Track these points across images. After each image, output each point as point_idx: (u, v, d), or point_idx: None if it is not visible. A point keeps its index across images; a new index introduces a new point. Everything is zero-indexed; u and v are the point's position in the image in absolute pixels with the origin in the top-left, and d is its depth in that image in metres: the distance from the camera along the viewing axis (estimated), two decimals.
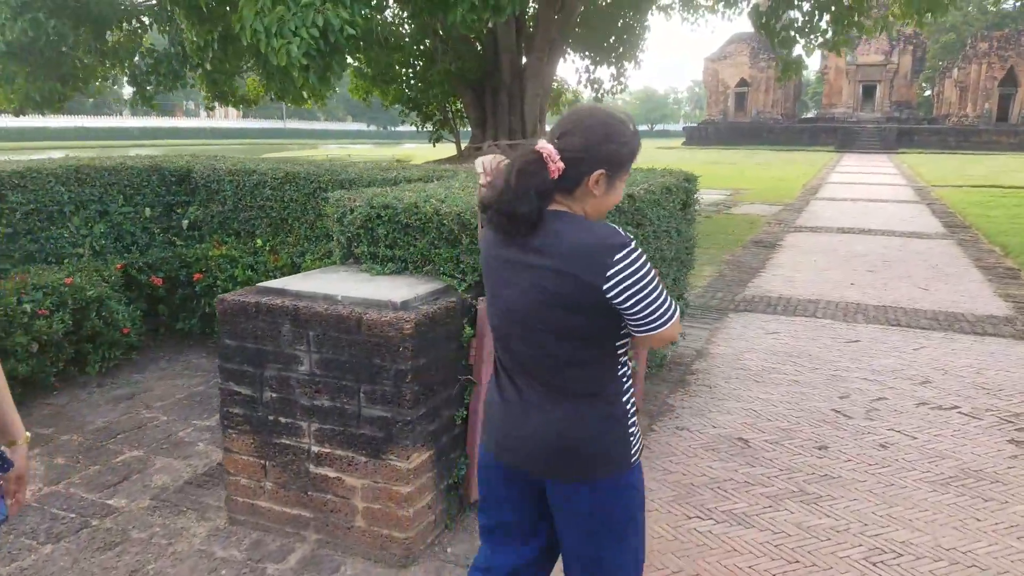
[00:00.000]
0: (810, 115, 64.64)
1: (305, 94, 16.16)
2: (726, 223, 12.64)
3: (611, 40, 15.57)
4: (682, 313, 5.03)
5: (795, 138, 49.41)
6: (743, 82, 53.33)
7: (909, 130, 47.41)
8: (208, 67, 10.62)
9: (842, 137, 46.84)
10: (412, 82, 15.53)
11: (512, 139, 16.91)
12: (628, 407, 1.72)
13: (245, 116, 79.39)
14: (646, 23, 15.76)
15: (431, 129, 16.43)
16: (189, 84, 12.48)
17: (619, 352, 1.68)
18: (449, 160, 17.84)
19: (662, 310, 1.58)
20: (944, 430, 4.00)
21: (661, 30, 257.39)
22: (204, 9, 8.29)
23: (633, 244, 1.55)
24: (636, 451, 1.74)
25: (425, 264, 3.09)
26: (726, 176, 23.34)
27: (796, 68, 10.64)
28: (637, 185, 3.90)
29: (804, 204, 15.72)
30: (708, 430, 4.00)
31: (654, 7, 17.73)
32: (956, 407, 4.34)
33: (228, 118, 79.32)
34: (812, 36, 10.53)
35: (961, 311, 6.62)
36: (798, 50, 10.90)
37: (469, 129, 17.53)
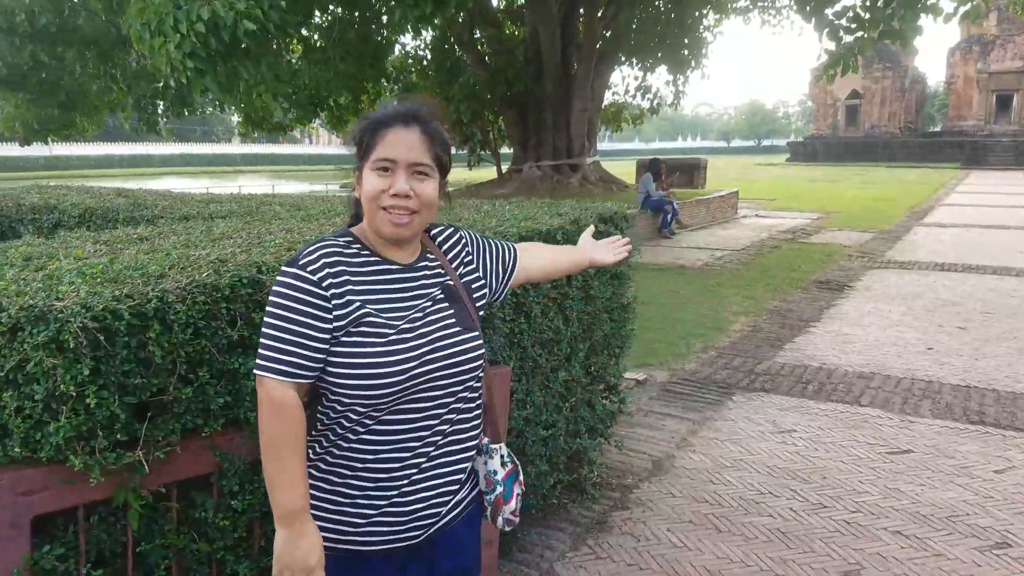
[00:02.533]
0: (936, 129, 59.09)
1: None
2: (795, 255, 10.59)
3: (668, 45, 13.83)
4: (612, 415, 3.40)
5: (915, 154, 44.97)
6: (854, 94, 49.27)
7: None
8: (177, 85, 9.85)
9: (970, 152, 42.18)
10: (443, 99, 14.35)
11: (557, 159, 15.44)
12: (324, 483, 1.37)
13: (345, 142, 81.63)
14: (711, 26, 13.92)
15: (467, 151, 15.20)
16: (200, 110, 11.84)
17: (327, 401, 1.34)
18: (485, 184, 16.55)
19: (259, 353, 1.29)
20: None
21: (765, 40, 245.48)
22: None
23: (293, 270, 1.29)
24: None
25: None
26: (819, 197, 20.79)
27: (844, 63, 8.53)
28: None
29: (904, 231, 13.28)
30: None
31: (730, 10, 15.86)
32: None
33: (331, 144, 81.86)
34: (870, 26, 8.43)
35: None
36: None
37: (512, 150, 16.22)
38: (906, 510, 3.19)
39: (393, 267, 1.37)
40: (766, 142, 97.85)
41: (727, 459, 3.76)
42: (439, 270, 1.45)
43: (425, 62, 15.56)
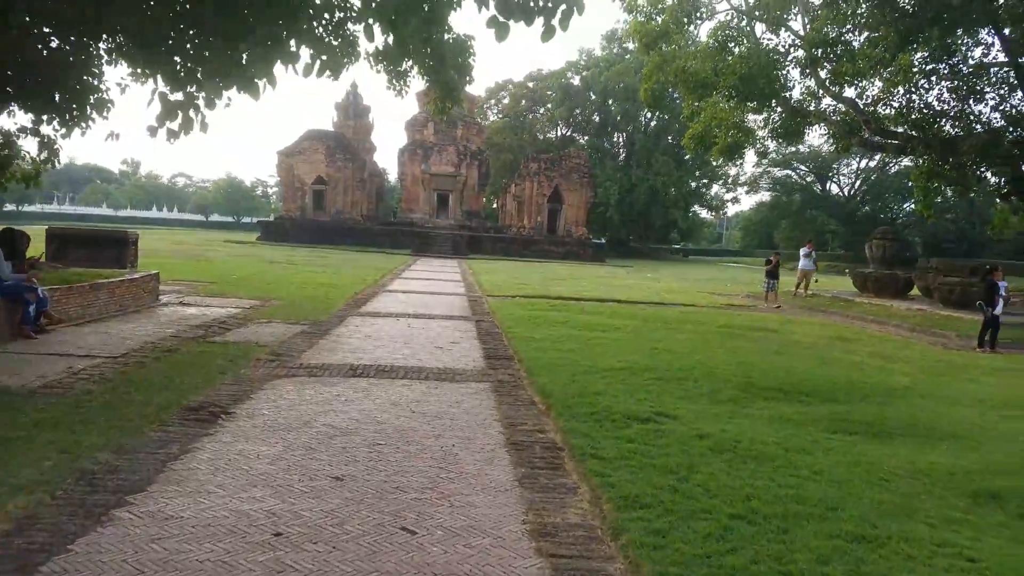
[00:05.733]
0: (393, 219, 65.83)
1: None
2: (188, 363, 8.20)
3: (33, 88, 10.42)
4: None
5: (378, 240, 48.58)
6: (320, 180, 51.25)
7: (478, 237, 50.20)
8: None
9: (420, 241, 47.36)
10: None
11: None
12: None
13: None
14: (102, 80, 10.91)
15: None
16: None
17: None
18: None
19: None
20: None
21: (243, 115, 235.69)
22: None
23: None
24: None
25: None
26: (270, 280, 19.25)
27: (185, 116, 6.99)
28: None
29: (336, 323, 12.21)
30: None
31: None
32: None
33: None
34: (206, 76, 7.10)
35: None
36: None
37: None
38: None
39: None
40: (246, 219, 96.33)
41: None
42: None
43: None
